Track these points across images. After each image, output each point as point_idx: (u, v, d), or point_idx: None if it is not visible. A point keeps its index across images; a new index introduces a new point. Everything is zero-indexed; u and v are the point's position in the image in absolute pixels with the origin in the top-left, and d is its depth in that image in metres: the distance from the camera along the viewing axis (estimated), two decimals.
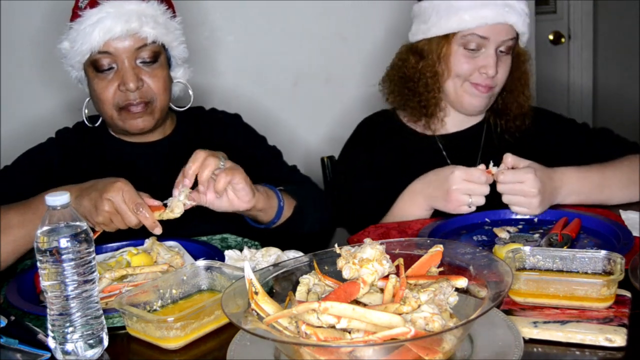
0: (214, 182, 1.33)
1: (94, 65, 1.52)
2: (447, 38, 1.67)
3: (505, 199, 1.48)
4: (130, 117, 1.54)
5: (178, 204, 1.30)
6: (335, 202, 1.75)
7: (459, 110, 1.76)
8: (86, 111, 1.62)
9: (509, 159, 1.48)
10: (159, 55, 1.56)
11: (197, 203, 1.33)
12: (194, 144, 1.60)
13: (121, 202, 1.27)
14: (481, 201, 1.48)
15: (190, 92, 1.67)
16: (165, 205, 1.31)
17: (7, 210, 1.38)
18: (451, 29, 1.65)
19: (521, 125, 1.76)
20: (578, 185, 1.55)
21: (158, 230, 1.29)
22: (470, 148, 1.77)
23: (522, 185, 1.45)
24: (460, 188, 1.47)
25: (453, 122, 1.79)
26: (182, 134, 1.70)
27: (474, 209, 1.49)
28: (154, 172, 1.60)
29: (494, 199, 1.52)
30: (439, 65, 1.69)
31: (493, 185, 1.48)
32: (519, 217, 1.52)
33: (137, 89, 1.51)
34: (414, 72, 1.73)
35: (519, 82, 1.75)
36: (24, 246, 1.37)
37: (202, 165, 1.31)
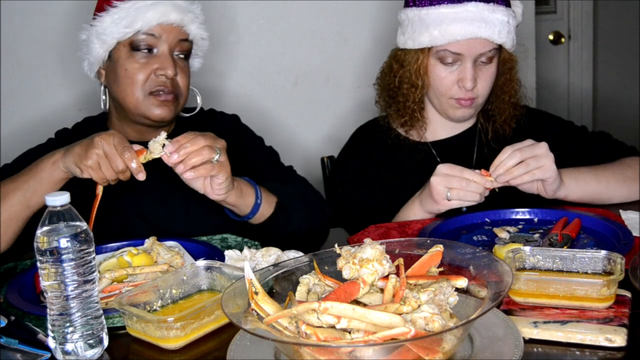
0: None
1: (133, 45, 1.53)
2: (423, 51, 1.65)
3: (524, 178, 1.45)
4: (157, 104, 1.55)
5: (157, 146, 1.31)
6: (333, 203, 1.75)
7: (447, 119, 1.75)
8: (104, 97, 1.62)
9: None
10: (189, 55, 1.61)
11: (175, 150, 1.32)
12: None
13: (111, 144, 1.30)
14: (460, 195, 1.46)
15: (199, 100, 1.69)
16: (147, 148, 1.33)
17: (2, 182, 1.41)
18: (423, 43, 1.63)
19: (509, 130, 1.74)
20: (573, 172, 1.55)
21: (142, 176, 1.31)
22: (464, 153, 1.77)
23: (533, 148, 1.45)
24: (439, 180, 1.47)
25: (443, 128, 1.78)
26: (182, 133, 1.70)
27: (455, 204, 1.48)
28: (154, 171, 1.59)
29: (494, 199, 1.52)
30: (417, 77, 1.67)
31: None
32: (519, 217, 1.53)
33: (172, 78, 1.54)
34: (394, 80, 1.72)
35: (505, 89, 1.73)
36: (20, 212, 1.38)
37: (197, 152, 1.31)
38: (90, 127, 1.68)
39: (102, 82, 1.61)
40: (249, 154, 1.71)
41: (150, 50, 1.54)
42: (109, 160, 1.30)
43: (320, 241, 1.66)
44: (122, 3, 1.52)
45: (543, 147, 1.46)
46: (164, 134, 1.33)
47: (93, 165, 1.30)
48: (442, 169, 1.48)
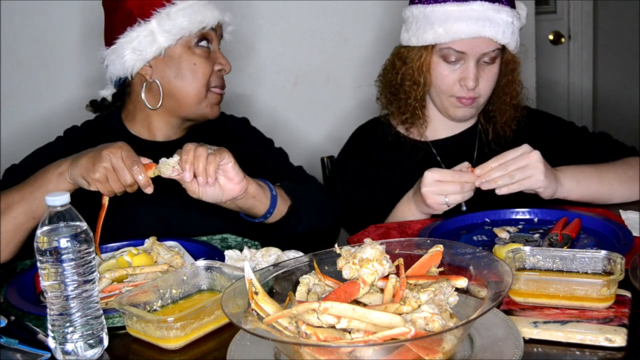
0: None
1: (196, 40, 1.56)
2: (427, 49, 1.65)
3: (511, 188, 1.45)
4: (214, 102, 1.61)
5: (167, 167, 1.31)
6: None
7: (448, 118, 1.75)
8: (144, 95, 1.60)
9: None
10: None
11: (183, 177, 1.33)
12: None
13: (119, 158, 1.29)
14: (458, 198, 1.47)
15: None
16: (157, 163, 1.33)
17: (7, 191, 1.39)
18: (427, 41, 1.63)
19: (510, 132, 1.74)
20: (574, 171, 1.55)
21: (149, 190, 1.31)
22: (464, 152, 1.77)
23: (521, 159, 1.44)
24: (432, 190, 1.47)
25: (444, 127, 1.78)
26: (193, 137, 1.70)
27: (453, 205, 1.49)
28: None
29: (494, 199, 1.52)
30: (420, 75, 1.67)
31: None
32: (519, 217, 1.53)
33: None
34: (397, 77, 1.72)
35: (506, 90, 1.72)
36: (25, 223, 1.37)
37: (195, 156, 1.31)
38: (105, 125, 1.68)
39: (149, 78, 1.58)
40: (259, 155, 1.72)
41: (209, 45, 1.59)
42: (116, 174, 1.30)
43: (332, 239, 1.66)
44: (182, 2, 1.54)
45: (533, 156, 1.45)
46: (176, 157, 1.32)
47: (100, 179, 1.30)
48: (431, 176, 1.47)
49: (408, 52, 1.70)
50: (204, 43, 1.57)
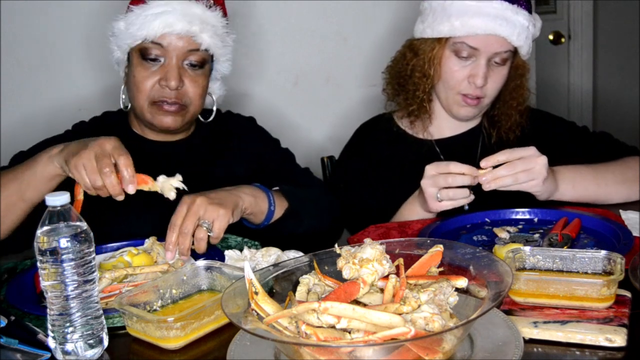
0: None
1: (141, 52, 1.53)
2: (440, 42, 1.66)
3: (511, 187, 1.45)
4: (161, 113, 1.55)
5: (168, 187, 1.31)
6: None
7: (451, 116, 1.75)
8: (123, 97, 1.62)
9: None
10: (205, 64, 1.58)
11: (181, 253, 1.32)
12: (211, 148, 1.65)
13: (92, 159, 1.26)
14: (450, 194, 1.44)
15: (214, 108, 1.68)
16: (155, 180, 1.32)
17: (3, 172, 1.41)
18: (442, 33, 1.63)
19: (514, 137, 1.74)
20: (572, 174, 1.55)
21: (131, 189, 1.27)
22: (468, 152, 1.77)
23: (529, 161, 1.43)
24: (430, 182, 1.47)
25: (449, 125, 1.78)
26: (201, 137, 1.71)
27: (448, 204, 1.47)
28: (172, 171, 1.60)
29: (494, 199, 1.52)
30: (430, 67, 1.67)
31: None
32: (519, 217, 1.53)
33: (176, 89, 1.53)
34: (406, 68, 1.73)
35: (513, 95, 1.73)
36: (15, 204, 1.38)
37: (196, 239, 1.31)
38: (109, 121, 1.69)
39: (123, 80, 1.60)
40: (265, 156, 1.72)
41: (157, 59, 1.53)
42: (97, 162, 1.26)
43: (334, 239, 1.66)
44: (136, 7, 1.52)
45: (540, 162, 1.44)
46: (178, 177, 1.32)
47: (77, 165, 1.27)
48: (429, 170, 1.47)
49: (421, 43, 1.70)
50: (151, 57, 1.52)
